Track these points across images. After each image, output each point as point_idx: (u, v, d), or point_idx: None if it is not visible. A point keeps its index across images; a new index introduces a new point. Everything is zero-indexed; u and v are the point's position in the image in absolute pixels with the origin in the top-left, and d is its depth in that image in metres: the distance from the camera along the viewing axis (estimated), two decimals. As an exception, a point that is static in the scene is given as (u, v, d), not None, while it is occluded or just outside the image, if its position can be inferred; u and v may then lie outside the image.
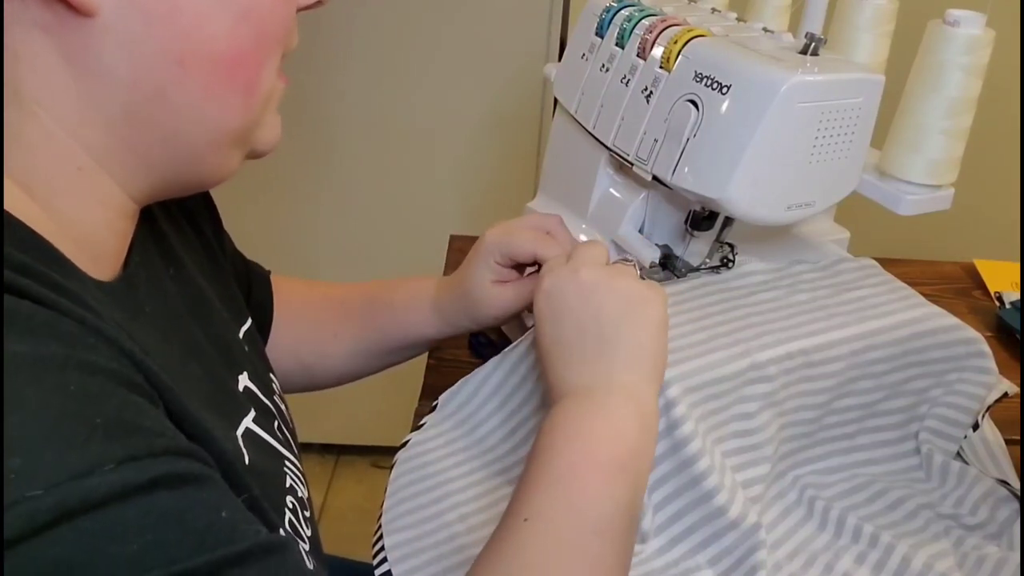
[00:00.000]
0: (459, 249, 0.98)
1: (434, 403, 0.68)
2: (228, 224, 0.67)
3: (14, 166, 0.39)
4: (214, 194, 0.62)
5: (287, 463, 0.54)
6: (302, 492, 0.54)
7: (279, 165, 1.45)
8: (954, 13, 0.68)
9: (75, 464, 0.31)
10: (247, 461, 0.47)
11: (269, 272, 0.74)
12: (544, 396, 0.61)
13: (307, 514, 0.54)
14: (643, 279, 0.55)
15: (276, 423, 0.55)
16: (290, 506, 0.51)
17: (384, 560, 0.58)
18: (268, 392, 0.57)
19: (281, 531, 0.48)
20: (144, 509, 0.33)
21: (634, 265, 0.56)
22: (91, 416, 0.33)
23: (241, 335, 0.58)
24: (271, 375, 0.61)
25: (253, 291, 0.70)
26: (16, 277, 0.34)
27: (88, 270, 0.41)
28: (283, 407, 0.59)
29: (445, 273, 0.95)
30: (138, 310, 0.44)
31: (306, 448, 1.77)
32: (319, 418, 1.67)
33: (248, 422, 0.50)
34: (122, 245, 0.45)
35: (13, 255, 0.35)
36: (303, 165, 1.47)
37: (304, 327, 0.73)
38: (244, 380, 0.54)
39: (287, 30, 0.45)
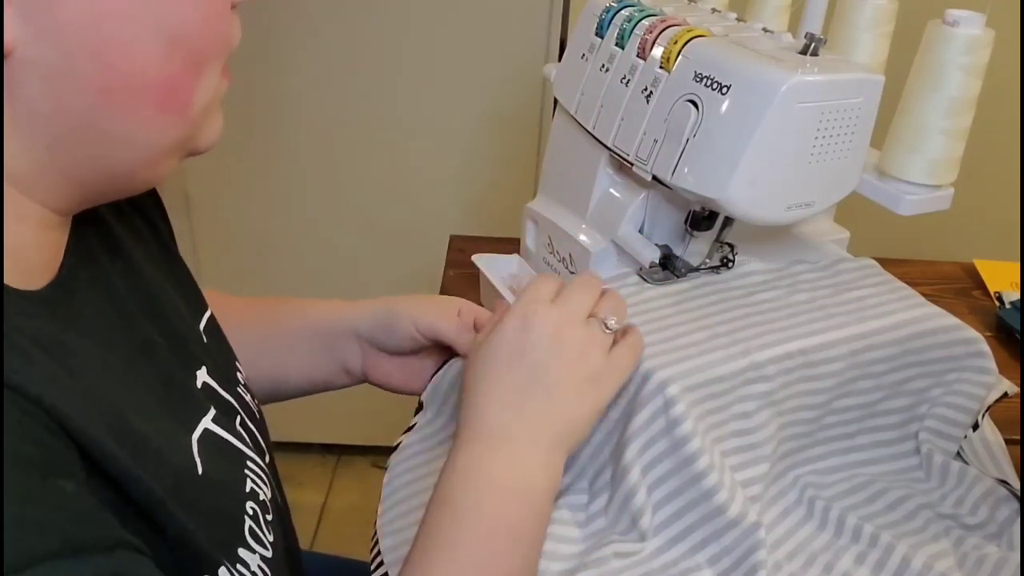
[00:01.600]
0: (459, 249, 0.98)
1: (420, 403, 0.69)
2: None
3: None
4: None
5: (249, 464, 0.52)
6: (265, 494, 0.52)
7: (279, 165, 1.45)
8: (954, 13, 0.68)
9: None
10: (200, 471, 0.45)
11: None
12: None
13: (269, 517, 0.52)
14: (611, 331, 0.55)
15: (238, 419, 0.54)
16: (250, 512, 0.49)
17: (381, 563, 0.58)
18: (230, 385, 0.55)
19: (241, 548, 0.47)
20: None
21: (613, 332, 0.55)
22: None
23: (202, 326, 0.56)
24: (236, 364, 0.59)
25: None
26: None
27: (17, 283, 0.39)
28: (247, 398, 0.57)
29: (445, 272, 0.95)
30: (74, 317, 0.42)
31: (306, 448, 1.77)
32: (319, 418, 1.67)
33: (207, 422, 0.49)
34: (54, 254, 0.43)
35: None
36: (303, 165, 1.47)
37: (250, 344, 0.71)
38: (203, 376, 0.52)
39: (224, 40, 0.43)
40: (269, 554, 0.50)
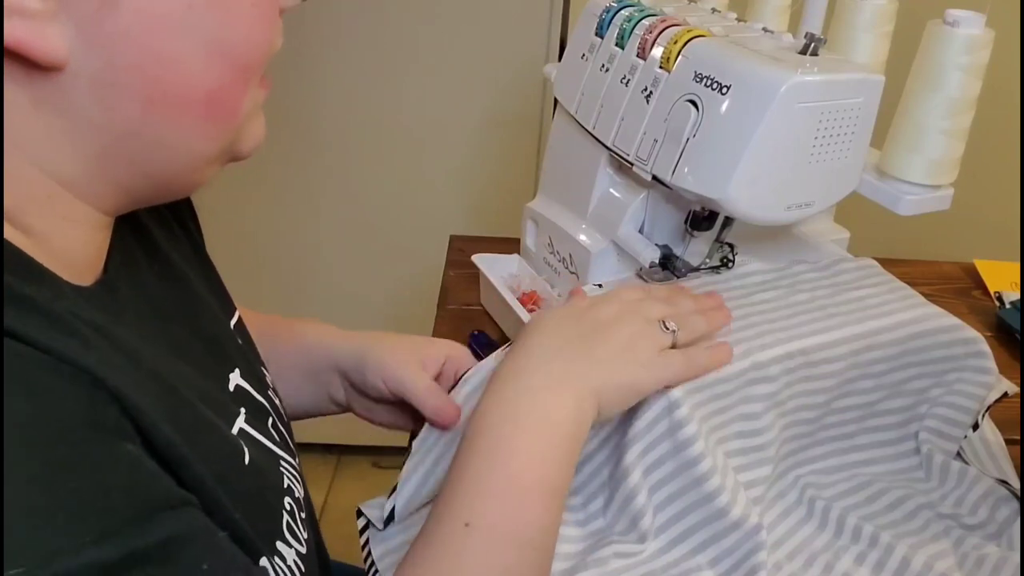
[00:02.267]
0: (459, 249, 0.98)
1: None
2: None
3: None
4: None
5: (282, 463, 0.53)
6: (299, 492, 0.54)
7: (280, 166, 1.45)
8: (954, 13, 0.68)
9: (54, 542, 0.31)
10: (247, 459, 0.46)
11: None
12: None
13: (303, 515, 0.53)
14: (670, 330, 0.57)
15: (270, 420, 0.55)
16: (287, 508, 0.50)
17: (376, 572, 0.58)
18: (261, 387, 0.56)
19: (279, 542, 0.47)
20: None
21: (673, 332, 0.57)
22: (62, 488, 0.32)
23: (232, 326, 0.57)
24: (263, 367, 0.60)
25: None
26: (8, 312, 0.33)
27: (68, 278, 0.40)
28: (277, 401, 0.58)
29: (445, 272, 0.95)
30: (120, 313, 0.43)
31: (307, 448, 1.77)
32: (320, 418, 1.66)
33: (240, 423, 0.50)
34: (99, 253, 0.44)
35: None
36: (303, 166, 1.47)
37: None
38: (236, 378, 0.53)
39: (269, 47, 0.43)
40: (304, 550, 0.51)
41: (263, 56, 0.42)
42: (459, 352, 0.66)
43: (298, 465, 0.57)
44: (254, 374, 0.56)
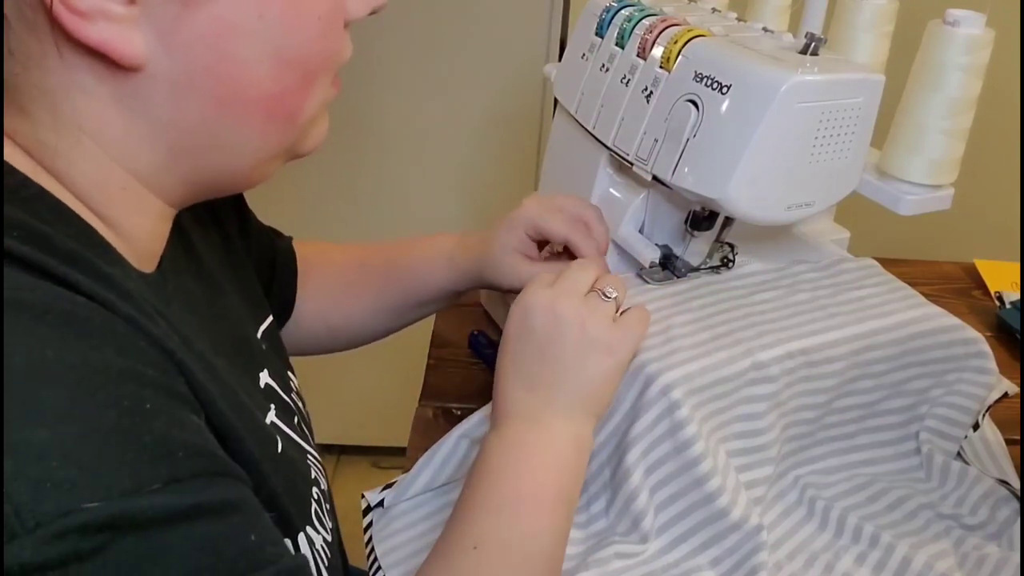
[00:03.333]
0: (459, 249, 0.98)
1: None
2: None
3: (68, 181, 0.41)
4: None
5: (309, 456, 0.55)
6: (324, 485, 0.56)
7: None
8: (954, 13, 0.68)
9: (126, 482, 0.32)
10: (279, 448, 0.48)
11: (291, 239, 0.75)
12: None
13: (328, 507, 0.55)
14: (610, 298, 0.56)
15: (296, 419, 0.56)
16: (315, 497, 0.52)
17: (379, 568, 0.58)
18: (287, 389, 0.58)
19: (308, 527, 0.49)
20: (185, 535, 0.34)
21: (615, 299, 0.56)
22: (141, 433, 0.34)
23: (260, 333, 0.59)
24: (289, 372, 0.62)
25: (278, 265, 0.71)
26: (69, 271, 0.36)
27: (136, 265, 0.43)
28: (300, 404, 0.60)
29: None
30: (171, 303, 0.46)
31: (306, 448, 1.77)
32: (319, 418, 1.66)
33: (271, 417, 0.52)
34: (160, 243, 0.47)
35: (61, 240, 0.37)
36: (302, 165, 1.47)
37: (328, 290, 0.74)
38: (264, 377, 0.55)
39: (332, 56, 0.46)
40: (329, 538, 0.52)
41: (327, 64, 0.45)
42: (537, 218, 0.66)
43: (322, 462, 0.58)
44: (281, 376, 0.58)
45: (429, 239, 0.73)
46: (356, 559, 0.84)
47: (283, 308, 0.73)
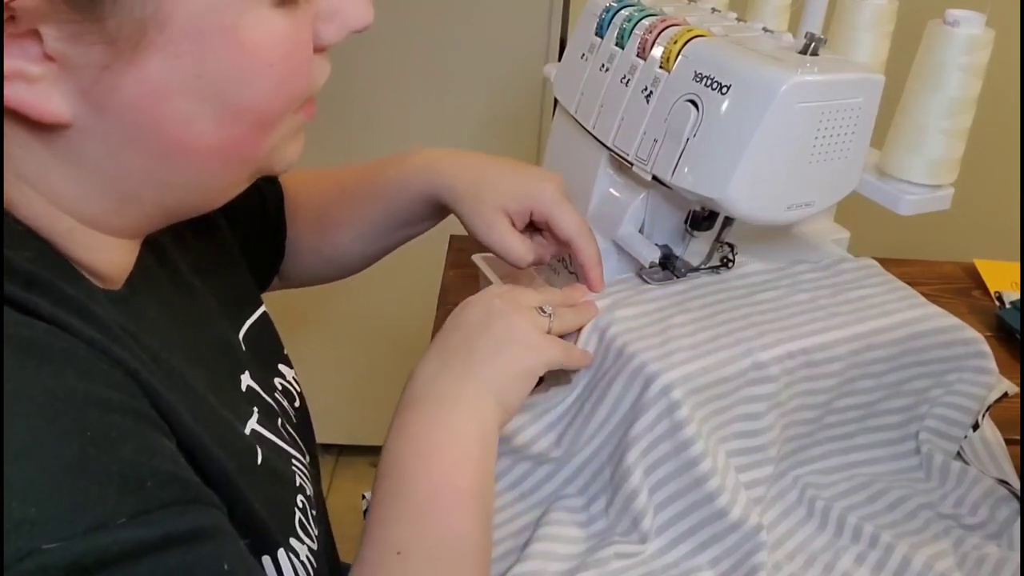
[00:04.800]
0: (459, 249, 0.98)
1: None
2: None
3: (18, 214, 0.39)
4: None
5: (294, 460, 0.54)
6: (310, 490, 0.55)
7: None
8: (954, 13, 0.68)
9: (90, 518, 0.31)
10: (259, 460, 0.48)
11: (280, 189, 0.73)
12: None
13: (314, 513, 0.54)
14: (546, 314, 0.58)
15: (279, 421, 0.56)
16: (300, 505, 0.51)
17: None
18: (270, 389, 0.57)
19: (291, 538, 0.48)
20: (153, 568, 0.33)
21: (549, 316, 0.58)
22: (106, 463, 0.33)
23: (244, 331, 0.58)
24: (280, 366, 0.61)
25: (268, 213, 0.71)
26: (26, 296, 0.35)
27: (96, 283, 0.42)
28: (286, 403, 0.59)
29: (445, 272, 0.95)
30: (142, 318, 0.45)
31: (306, 448, 1.78)
32: (319, 418, 1.66)
33: (253, 423, 0.51)
34: (127, 264, 0.45)
35: (19, 262, 0.36)
36: (301, 165, 1.47)
37: (314, 223, 0.73)
38: (246, 380, 0.54)
39: (298, 95, 0.43)
40: (315, 547, 0.51)
41: (287, 106, 0.42)
42: (543, 198, 0.64)
43: (308, 463, 0.57)
44: (263, 377, 0.57)
45: (409, 158, 0.69)
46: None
47: (277, 251, 0.72)
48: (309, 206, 0.73)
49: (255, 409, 0.52)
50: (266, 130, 0.42)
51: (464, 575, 0.47)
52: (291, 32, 0.40)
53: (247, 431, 0.49)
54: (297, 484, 0.52)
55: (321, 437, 2.05)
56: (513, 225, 0.64)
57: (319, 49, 0.43)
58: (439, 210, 0.69)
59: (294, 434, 0.57)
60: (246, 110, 0.40)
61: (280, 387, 0.60)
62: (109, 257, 0.43)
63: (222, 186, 0.44)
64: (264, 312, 0.61)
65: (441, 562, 0.46)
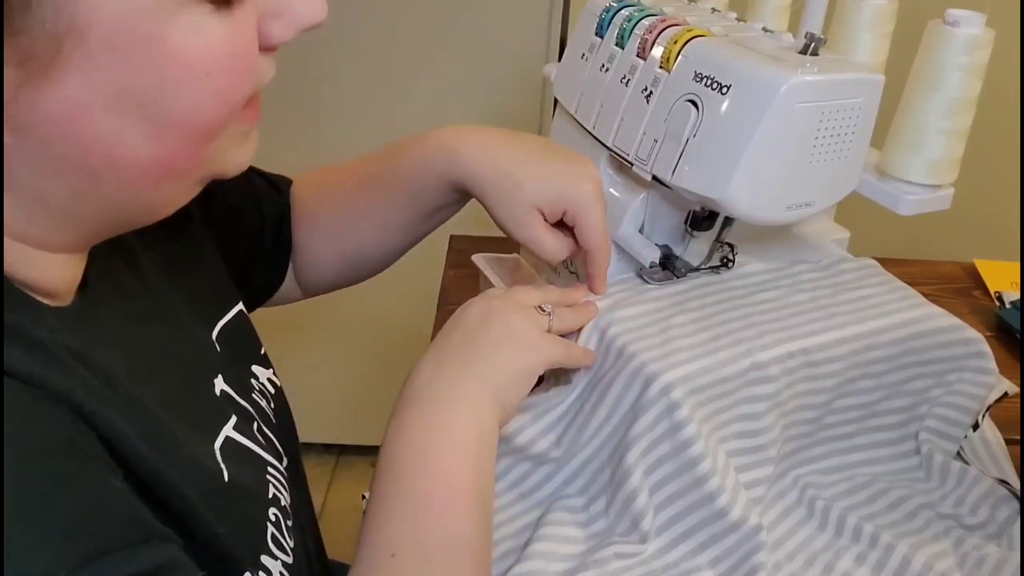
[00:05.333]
0: (459, 249, 0.98)
1: None
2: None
3: None
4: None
5: (269, 468, 0.53)
6: (286, 500, 0.53)
7: (279, 166, 1.44)
8: (954, 13, 0.68)
9: (43, 566, 0.30)
10: (226, 478, 0.46)
11: (284, 203, 0.71)
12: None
13: (290, 523, 0.53)
14: (546, 312, 0.58)
15: (255, 425, 0.54)
16: (272, 519, 0.50)
17: None
18: (245, 392, 0.56)
19: (263, 556, 0.47)
20: None
21: (549, 315, 0.58)
22: (49, 511, 0.32)
23: (217, 330, 0.56)
24: (255, 367, 0.60)
25: (267, 232, 0.69)
26: None
27: (47, 301, 0.40)
28: (264, 403, 0.58)
29: (445, 272, 0.95)
30: (101, 329, 0.43)
31: (306, 448, 1.77)
32: (319, 418, 1.67)
33: (228, 430, 0.50)
34: (75, 275, 0.43)
35: None
36: (302, 165, 1.47)
37: (336, 225, 0.70)
38: (220, 384, 0.52)
39: (238, 101, 0.39)
40: (291, 560, 0.50)
41: (225, 117, 0.38)
42: (579, 200, 0.60)
43: (286, 466, 0.56)
44: (238, 379, 0.55)
45: (428, 138, 0.65)
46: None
47: (272, 269, 0.70)
48: (330, 211, 0.71)
49: (234, 415, 0.51)
50: (204, 141, 0.38)
51: (458, 572, 0.46)
52: (230, 37, 0.36)
53: (219, 441, 0.48)
54: (270, 496, 0.51)
55: (321, 437, 2.06)
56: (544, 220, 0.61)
57: (266, 49, 0.40)
58: (465, 194, 0.66)
59: (272, 437, 0.56)
60: (180, 123, 0.36)
61: (257, 387, 0.59)
62: (56, 273, 0.41)
63: (163, 200, 0.41)
64: (240, 311, 0.59)
65: (437, 563, 0.46)
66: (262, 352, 0.62)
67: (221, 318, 0.58)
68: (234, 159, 0.42)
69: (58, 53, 0.33)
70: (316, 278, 0.72)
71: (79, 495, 0.33)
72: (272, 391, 0.61)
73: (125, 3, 0.33)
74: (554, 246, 0.61)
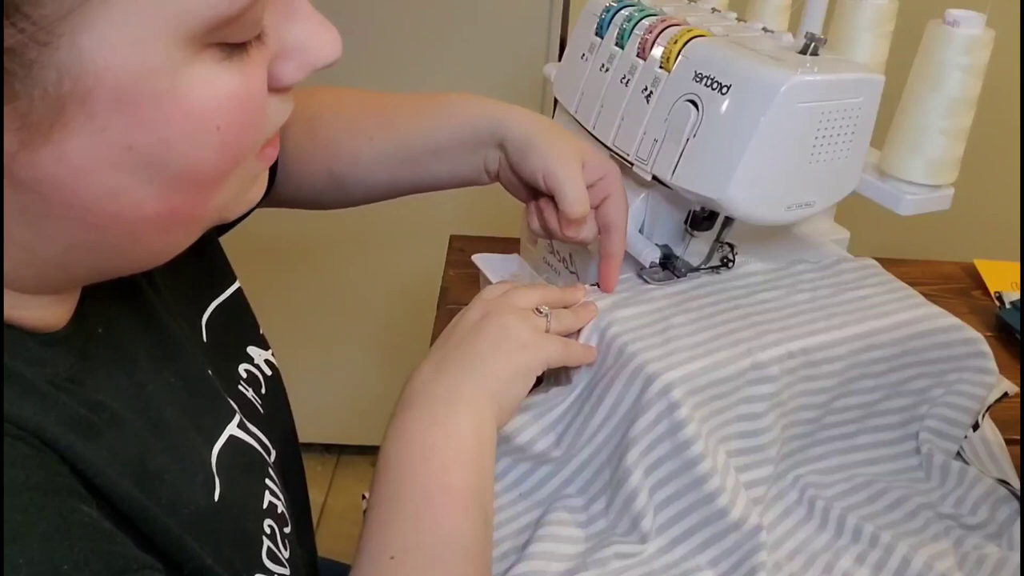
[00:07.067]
0: (459, 249, 0.98)
1: None
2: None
3: None
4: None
5: (268, 469, 0.52)
6: (282, 506, 0.53)
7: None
8: (954, 13, 0.68)
9: None
10: (216, 496, 0.45)
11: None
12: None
13: (287, 530, 0.52)
14: (543, 314, 0.58)
15: (245, 414, 0.54)
16: (267, 531, 0.49)
17: None
18: (231, 383, 0.55)
19: (256, 575, 0.47)
20: None
21: (546, 316, 0.59)
22: (16, 556, 0.31)
23: (206, 316, 0.55)
24: (249, 348, 0.59)
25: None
26: None
27: (36, 328, 0.39)
28: (251, 393, 0.57)
29: (445, 272, 0.95)
30: (90, 352, 0.42)
31: (306, 448, 1.77)
32: (319, 418, 1.67)
33: (232, 428, 0.49)
34: (69, 308, 0.42)
35: None
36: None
37: (341, 132, 0.67)
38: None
39: (249, 151, 0.38)
40: (287, 572, 0.50)
41: (234, 167, 0.37)
42: (614, 174, 0.62)
43: (274, 462, 0.55)
44: (224, 371, 0.54)
45: (470, 98, 0.65)
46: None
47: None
48: (341, 116, 0.67)
49: (237, 412, 0.50)
50: (212, 192, 0.37)
51: (459, 571, 0.46)
52: (240, 87, 0.35)
53: (220, 442, 0.47)
54: (265, 506, 0.50)
55: (321, 437, 2.06)
56: None
57: (277, 90, 0.38)
58: (478, 149, 0.63)
59: (258, 432, 0.55)
60: (188, 177, 0.35)
61: (245, 375, 0.57)
62: (48, 311, 0.40)
63: (165, 247, 0.39)
64: (237, 289, 0.58)
65: (436, 564, 0.46)
66: (260, 332, 0.61)
67: (214, 299, 0.57)
68: (242, 202, 0.41)
69: (61, 115, 0.31)
70: (294, 186, 0.71)
71: (45, 535, 0.32)
72: (269, 373, 0.60)
73: (133, 61, 0.31)
74: (586, 195, 0.60)
